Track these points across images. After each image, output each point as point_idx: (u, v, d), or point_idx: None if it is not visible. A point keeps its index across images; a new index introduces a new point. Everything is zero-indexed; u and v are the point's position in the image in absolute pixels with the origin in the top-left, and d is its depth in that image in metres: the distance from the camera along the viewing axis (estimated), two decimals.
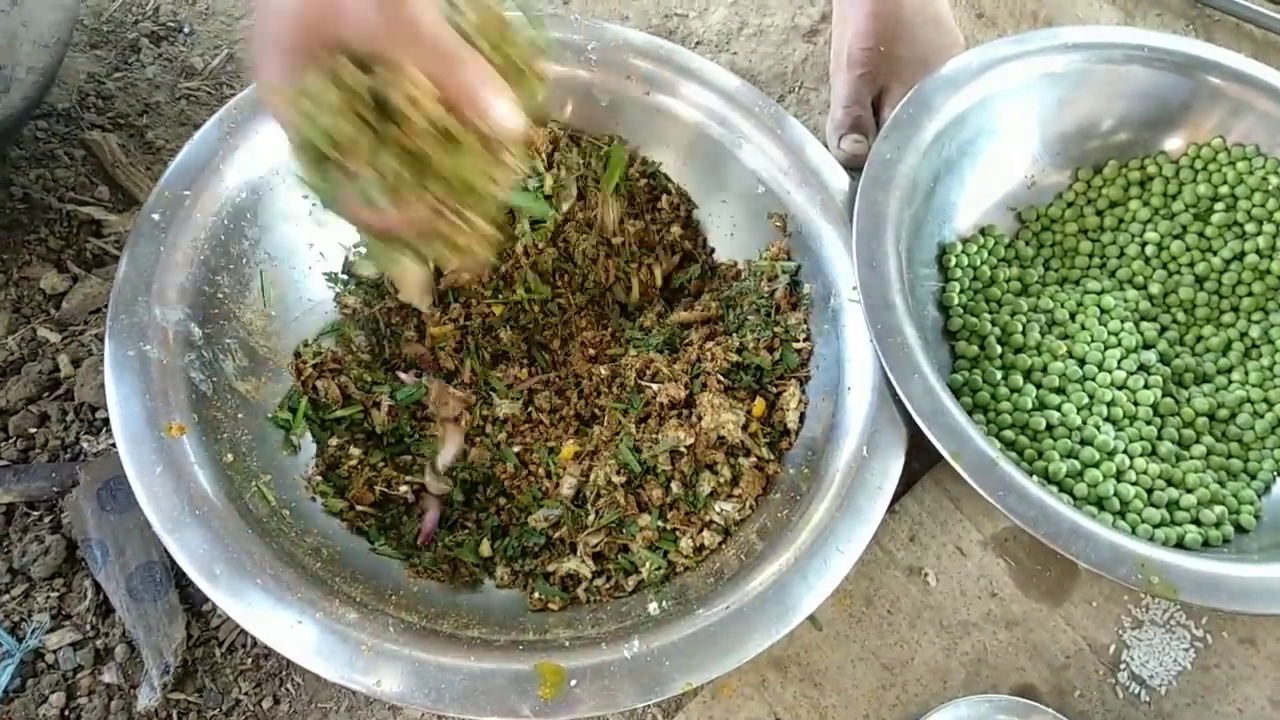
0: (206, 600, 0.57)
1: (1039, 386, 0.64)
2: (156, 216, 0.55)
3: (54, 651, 0.55)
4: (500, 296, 0.65)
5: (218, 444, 0.52)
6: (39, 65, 0.60)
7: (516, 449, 0.60)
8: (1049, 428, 0.62)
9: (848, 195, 0.64)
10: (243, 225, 0.59)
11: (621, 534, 0.57)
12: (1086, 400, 0.63)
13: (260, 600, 0.47)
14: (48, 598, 0.56)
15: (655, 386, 0.60)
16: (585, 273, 0.66)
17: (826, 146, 0.68)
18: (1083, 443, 0.62)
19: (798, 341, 0.62)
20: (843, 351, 0.60)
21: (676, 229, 0.67)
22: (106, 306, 0.66)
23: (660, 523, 0.57)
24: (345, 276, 0.64)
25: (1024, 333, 0.66)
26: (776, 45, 0.79)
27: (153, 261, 0.54)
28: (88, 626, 0.56)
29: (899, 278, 0.59)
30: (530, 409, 0.62)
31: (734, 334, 0.62)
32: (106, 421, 0.62)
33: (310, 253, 0.63)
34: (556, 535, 0.58)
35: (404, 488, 0.58)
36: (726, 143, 0.66)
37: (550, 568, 0.57)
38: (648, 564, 0.56)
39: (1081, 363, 0.65)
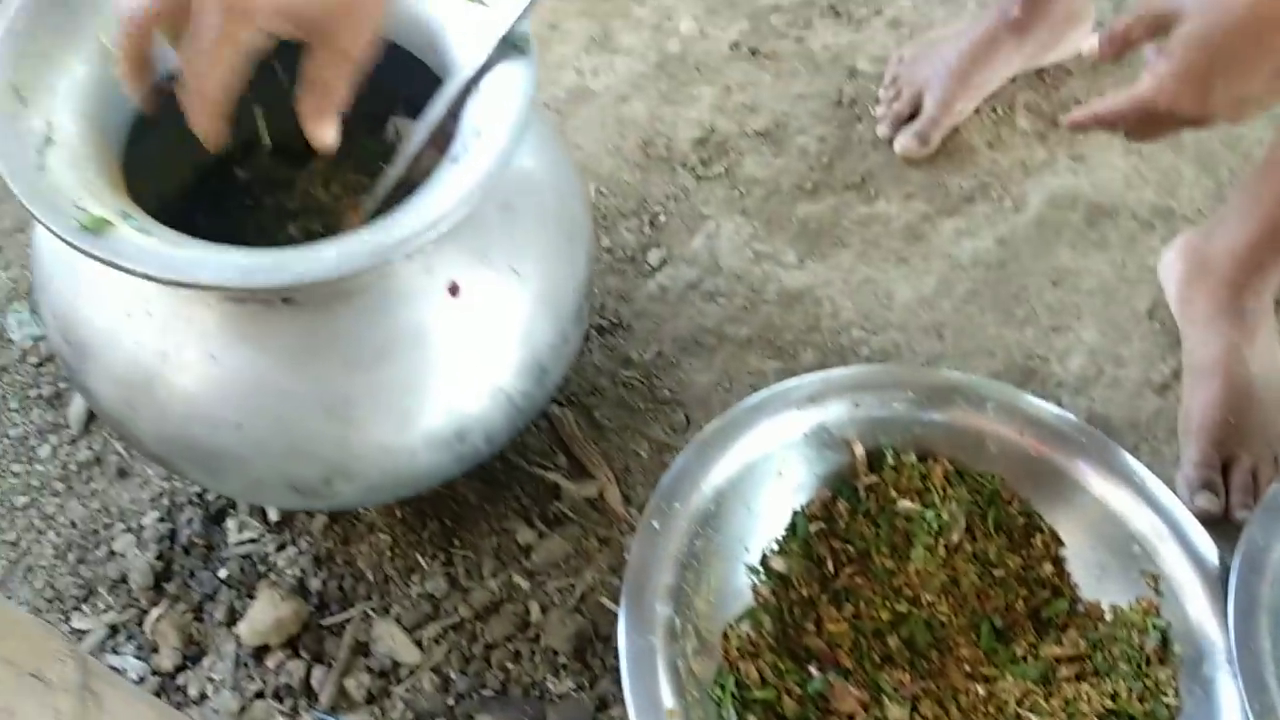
0: None
1: None
2: (655, 524, 0.70)
3: None
4: (889, 604, 0.76)
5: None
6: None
7: None
8: None
9: (1218, 566, 0.72)
10: (709, 529, 0.73)
11: None
12: None
13: None
14: None
15: (1034, 718, 0.69)
16: (967, 596, 0.76)
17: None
18: None
19: (1167, 696, 0.70)
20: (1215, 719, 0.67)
21: (1048, 566, 0.77)
22: (567, 561, 0.81)
23: None
24: (761, 569, 0.77)
25: None
26: (1130, 396, 0.89)
27: (650, 562, 0.69)
28: None
29: (1273, 661, 0.66)
30: (915, 715, 0.72)
31: (1105, 677, 0.71)
32: (567, 666, 0.76)
33: (738, 546, 0.77)
34: None
35: None
36: (1102, 498, 0.76)
37: None
38: None
39: None
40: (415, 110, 0.85)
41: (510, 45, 0.62)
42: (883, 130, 1.03)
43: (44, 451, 0.88)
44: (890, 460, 0.79)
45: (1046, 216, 0.99)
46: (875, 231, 0.99)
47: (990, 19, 1.03)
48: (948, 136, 1.03)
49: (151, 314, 0.63)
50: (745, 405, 0.78)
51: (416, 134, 0.66)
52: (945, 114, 1.01)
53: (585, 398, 0.91)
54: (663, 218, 1.00)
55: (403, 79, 0.76)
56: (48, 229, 0.54)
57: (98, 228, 0.55)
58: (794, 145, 1.04)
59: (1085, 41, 1.06)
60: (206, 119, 0.57)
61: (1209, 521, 0.77)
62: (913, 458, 0.79)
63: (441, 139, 0.67)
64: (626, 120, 1.05)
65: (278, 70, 0.74)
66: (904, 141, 1.02)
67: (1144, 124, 0.68)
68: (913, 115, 1.02)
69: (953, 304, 0.95)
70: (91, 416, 0.90)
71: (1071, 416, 0.79)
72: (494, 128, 0.60)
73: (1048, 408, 0.80)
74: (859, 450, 0.79)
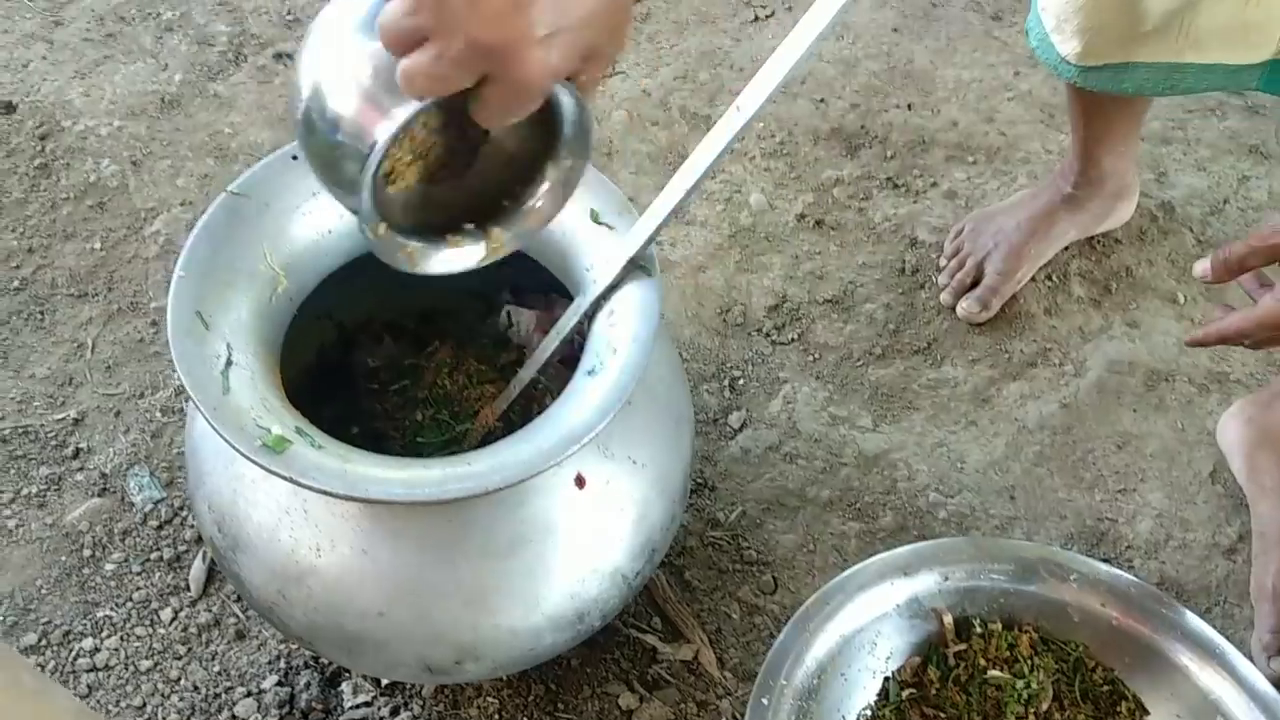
0: None
1: None
2: (765, 701, 0.74)
3: None
4: None
5: None
6: None
7: None
8: None
9: None
10: (810, 702, 0.77)
11: None
12: None
13: None
14: None
15: None
16: None
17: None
18: None
19: None
20: None
21: None
22: None
23: None
24: None
25: None
26: (1199, 559, 0.94)
27: None
28: None
29: None
30: None
31: None
32: None
33: (836, 715, 0.80)
34: None
35: None
36: (1184, 667, 0.80)
37: None
38: None
39: None
40: (520, 294, 0.93)
41: (637, 266, 0.69)
42: (946, 298, 1.10)
43: (166, 614, 0.93)
44: (978, 629, 0.83)
45: (1106, 381, 1.05)
46: (944, 395, 1.05)
47: (1046, 194, 1.10)
48: (1007, 303, 1.09)
49: (307, 512, 0.69)
50: (841, 579, 0.82)
51: (549, 343, 0.73)
52: (1006, 282, 1.07)
53: (676, 559, 0.95)
54: (741, 381, 1.06)
55: (509, 267, 0.83)
56: (236, 450, 0.60)
57: (279, 446, 0.61)
58: (862, 312, 1.11)
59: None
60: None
61: None
62: (999, 626, 0.83)
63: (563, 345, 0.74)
64: (704, 288, 1.13)
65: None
66: (966, 306, 1.08)
67: (1267, 339, 0.74)
68: (973, 283, 1.09)
69: (1022, 467, 1.00)
70: (210, 578, 0.95)
71: (1150, 587, 0.84)
72: (627, 345, 0.66)
73: (1126, 578, 0.84)
74: (948, 620, 0.83)
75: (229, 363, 0.65)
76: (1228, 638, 0.82)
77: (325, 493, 0.60)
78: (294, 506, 0.69)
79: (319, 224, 0.73)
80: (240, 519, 0.71)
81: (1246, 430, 0.94)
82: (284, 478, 0.60)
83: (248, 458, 0.60)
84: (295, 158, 0.73)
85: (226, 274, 0.68)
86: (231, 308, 0.67)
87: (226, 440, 0.60)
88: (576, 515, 0.71)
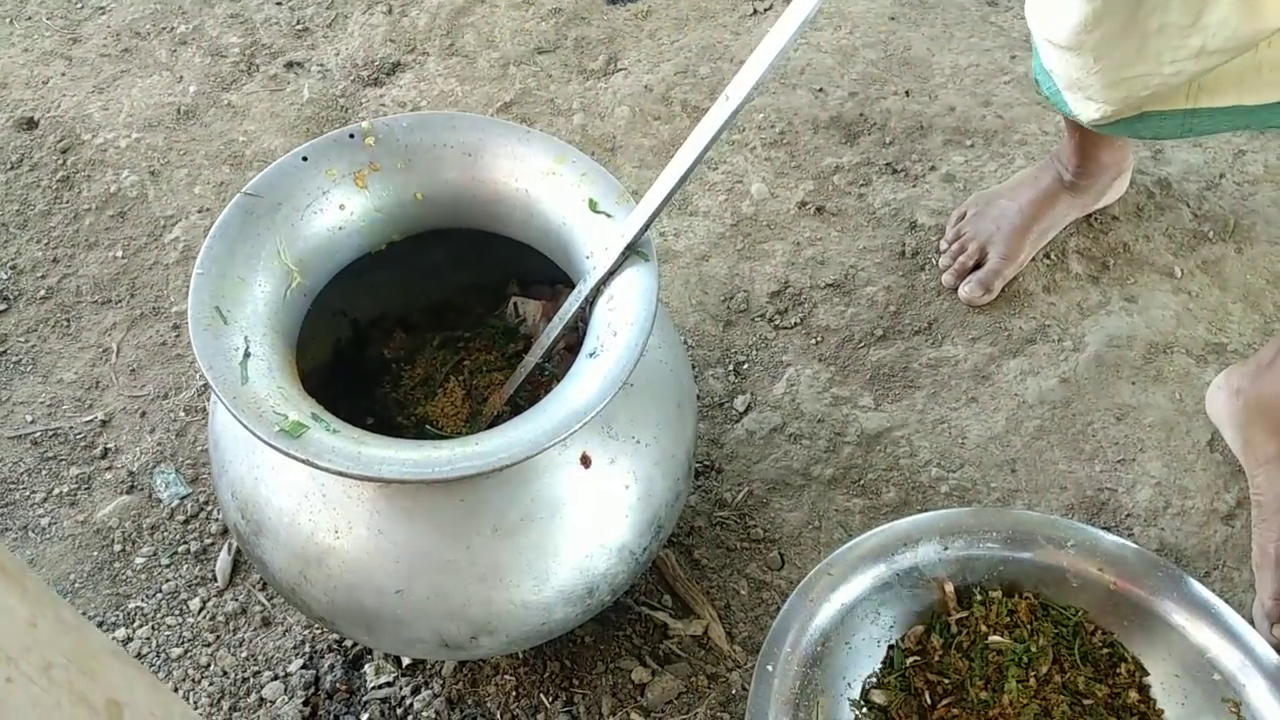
0: None
1: None
2: (770, 668, 0.77)
3: None
4: None
5: None
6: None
7: None
8: None
9: None
10: (815, 669, 0.79)
11: None
12: None
13: None
14: None
15: None
16: None
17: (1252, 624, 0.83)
18: None
19: None
20: None
21: (1134, 694, 0.83)
22: (679, 698, 0.88)
23: None
24: (863, 703, 0.83)
25: None
26: (1198, 525, 0.95)
27: (765, 703, 0.75)
28: None
29: None
30: None
31: None
32: None
33: (841, 682, 0.83)
34: None
35: None
36: (1181, 628, 0.82)
37: None
38: None
39: None
40: (526, 285, 0.96)
41: (635, 252, 0.72)
42: (947, 280, 1.12)
43: (194, 604, 0.97)
44: (979, 596, 0.86)
45: (1105, 355, 1.07)
46: (944, 374, 1.07)
47: (1046, 176, 1.12)
48: (1006, 283, 1.11)
49: (325, 496, 0.72)
50: (842, 551, 0.85)
51: (551, 329, 0.75)
52: (1008, 265, 1.10)
53: (684, 538, 0.98)
54: (746, 366, 1.09)
55: (515, 260, 0.86)
56: (254, 435, 0.63)
57: (295, 431, 0.64)
58: (863, 295, 1.13)
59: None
60: None
61: None
62: (999, 594, 0.86)
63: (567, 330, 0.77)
64: (709, 277, 1.15)
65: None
66: (969, 290, 1.10)
67: None
68: (975, 265, 1.11)
69: (1023, 441, 1.02)
70: (235, 569, 0.98)
71: (1147, 551, 0.86)
72: (627, 328, 0.69)
73: (1124, 544, 0.86)
74: (949, 588, 0.85)
75: (246, 354, 0.68)
76: (1227, 600, 0.84)
77: (340, 473, 0.63)
78: (312, 491, 0.72)
79: (330, 221, 0.76)
80: (262, 504, 0.74)
81: (1235, 402, 0.96)
82: (301, 460, 0.63)
83: (266, 442, 0.63)
84: (305, 158, 0.76)
85: (243, 270, 0.71)
86: (248, 302, 0.71)
87: (246, 426, 0.64)
88: (582, 493, 0.74)
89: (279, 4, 1.49)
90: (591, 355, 0.69)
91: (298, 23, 1.46)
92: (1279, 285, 1.11)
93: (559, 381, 0.71)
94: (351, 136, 0.77)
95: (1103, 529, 0.90)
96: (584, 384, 0.68)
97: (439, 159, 0.78)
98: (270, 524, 0.74)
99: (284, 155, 0.77)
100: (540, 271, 0.87)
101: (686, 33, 1.43)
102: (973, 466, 1.00)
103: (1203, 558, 0.94)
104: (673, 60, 1.39)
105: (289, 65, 1.41)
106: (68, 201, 1.27)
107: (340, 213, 0.76)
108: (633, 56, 1.40)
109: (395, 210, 0.79)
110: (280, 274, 0.73)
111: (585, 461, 0.74)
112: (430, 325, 0.95)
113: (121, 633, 0.94)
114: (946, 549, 0.86)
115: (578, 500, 0.74)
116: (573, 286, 0.77)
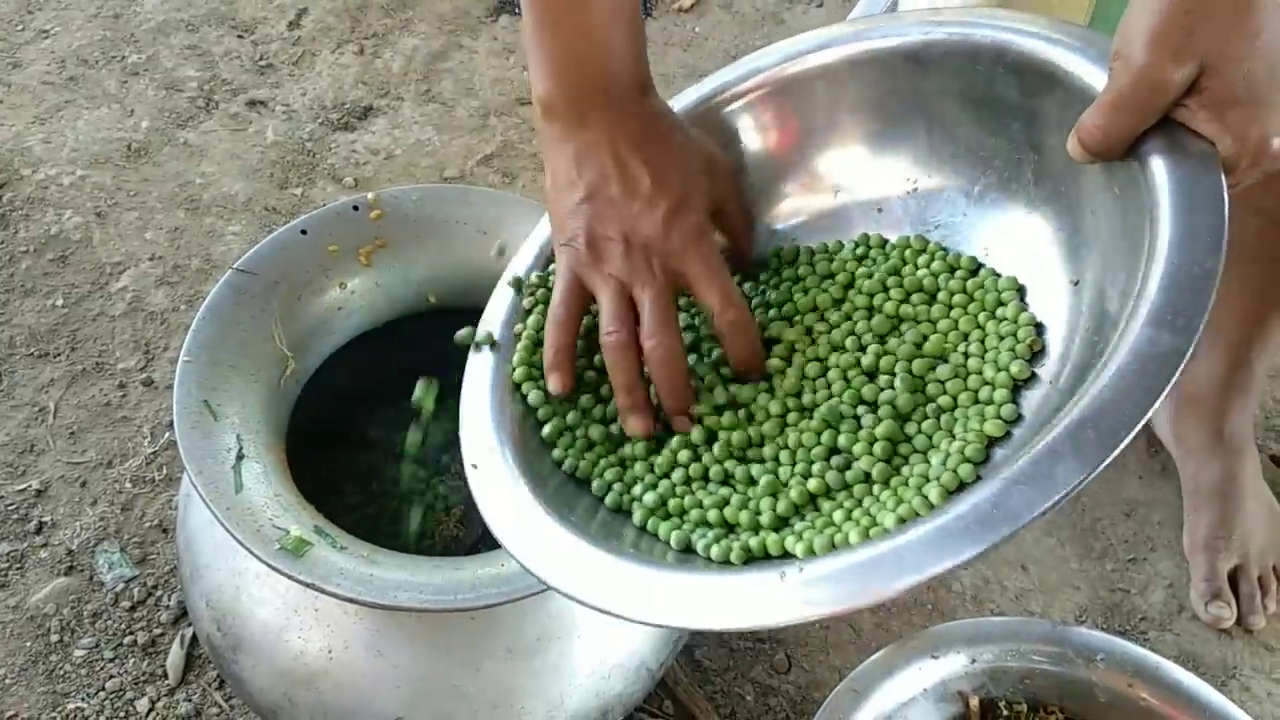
0: None
1: None
2: None
3: None
4: None
5: None
6: None
7: None
8: None
9: None
10: None
11: None
12: None
13: None
14: None
15: None
16: None
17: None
18: None
19: None
20: None
21: None
22: None
23: None
24: None
25: None
26: (1215, 633, 0.93)
27: None
28: None
29: None
30: None
31: None
32: None
33: None
34: None
35: None
36: None
37: None
38: None
39: None
40: None
41: None
42: None
43: (142, 705, 0.87)
44: (1004, 711, 0.81)
45: None
46: None
47: None
48: None
49: (318, 611, 0.64)
50: (868, 665, 0.79)
51: None
52: None
53: (688, 639, 0.92)
54: None
55: None
56: (252, 554, 0.56)
57: (299, 550, 0.57)
58: None
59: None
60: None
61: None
62: (1025, 708, 0.81)
63: None
64: None
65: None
66: None
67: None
68: None
69: (1033, 537, 0.98)
70: (189, 664, 0.89)
71: (1175, 667, 0.82)
72: None
73: (1152, 657, 0.82)
74: (974, 702, 0.81)
75: (240, 455, 0.60)
76: (1246, 710, 0.81)
77: (352, 600, 0.55)
78: (304, 605, 0.64)
79: (329, 301, 0.69)
80: (244, 617, 0.66)
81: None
82: (306, 584, 0.55)
83: (267, 564, 0.56)
84: (304, 231, 0.69)
85: (234, 358, 0.64)
86: (240, 394, 0.63)
87: (243, 545, 0.56)
88: None
89: (240, 37, 1.41)
90: None
91: (261, 58, 1.38)
92: None
93: None
94: (355, 209, 0.70)
95: (1118, 633, 0.87)
96: None
97: (450, 236, 0.72)
98: (252, 640, 0.66)
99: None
100: None
101: (673, 90, 1.38)
102: (985, 565, 0.96)
103: (1219, 665, 0.91)
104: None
105: (251, 104, 1.32)
106: (3, 242, 1.16)
107: (341, 292, 0.69)
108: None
109: (400, 289, 0.72)
110: (275, 361, 0.66)
111: None
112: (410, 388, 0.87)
113: None
114: (974, 661, 0.81)
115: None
116: None
